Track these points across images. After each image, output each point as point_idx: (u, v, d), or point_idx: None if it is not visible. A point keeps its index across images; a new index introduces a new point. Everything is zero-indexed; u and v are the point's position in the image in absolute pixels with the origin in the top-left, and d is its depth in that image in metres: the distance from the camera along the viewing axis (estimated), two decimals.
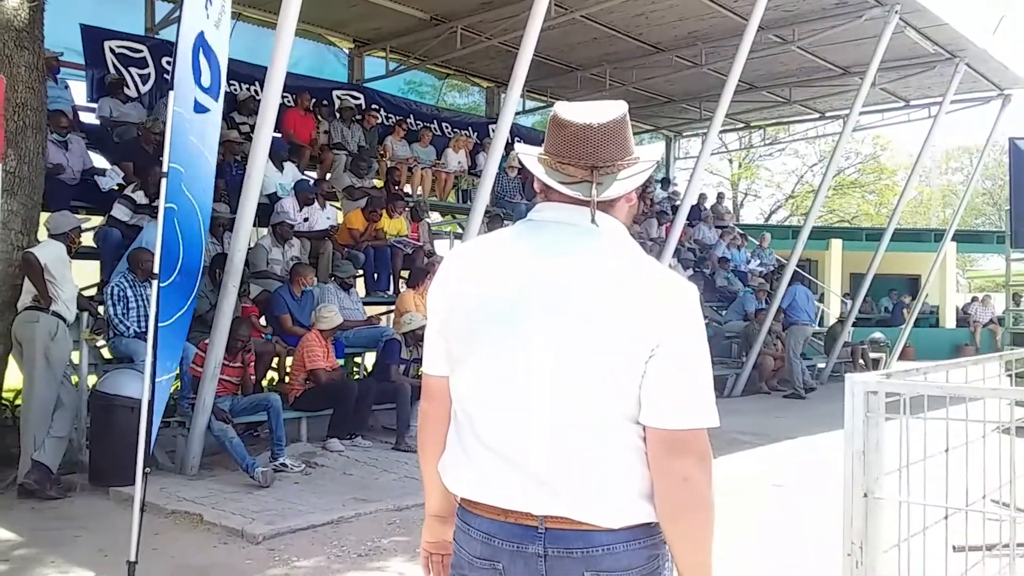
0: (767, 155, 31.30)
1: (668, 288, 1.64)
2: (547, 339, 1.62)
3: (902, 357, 16.41)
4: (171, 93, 4.66)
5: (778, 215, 34.07)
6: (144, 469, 4.37)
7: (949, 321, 20.84)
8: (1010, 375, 3.32)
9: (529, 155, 1.79)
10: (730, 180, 32.51)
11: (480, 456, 1.70)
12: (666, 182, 17.37)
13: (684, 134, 19.41)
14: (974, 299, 21.33)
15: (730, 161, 31.65)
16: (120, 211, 7.64)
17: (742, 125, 18.56)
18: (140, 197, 7.76)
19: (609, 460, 1.62)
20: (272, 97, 6.09)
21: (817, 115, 17.40)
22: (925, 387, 2.09)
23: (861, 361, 14.77)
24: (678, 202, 16.86)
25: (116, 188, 8.32)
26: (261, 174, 6.38)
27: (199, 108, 5.26)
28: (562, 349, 1.61)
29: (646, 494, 1.63)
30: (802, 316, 12.86)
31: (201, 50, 5.14)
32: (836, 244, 20.95)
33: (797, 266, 12.94)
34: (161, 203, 4.57)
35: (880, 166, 32.72)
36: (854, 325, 14.96)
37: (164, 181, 4.55)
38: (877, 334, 16.02)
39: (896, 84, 14.38)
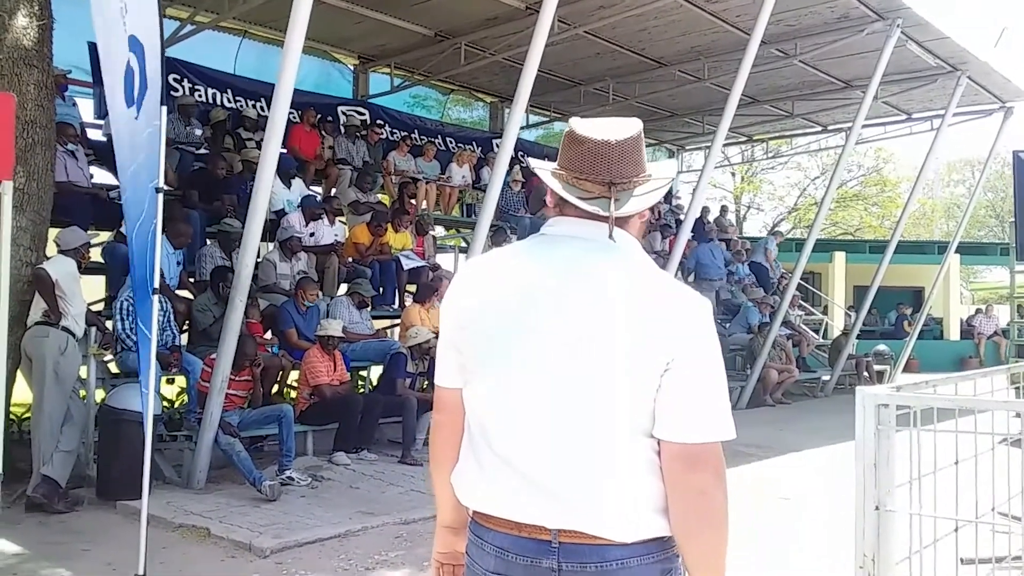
0: (769, 168, 31.36)
1: (682, 302, 1.67)
2: (562, 352, 1.64)
3: (906, 370, 16.40)
4: (163, 109, 4.57)
5: (781, 228, 34.07)
6: (149, 482, 4.37)
7: (953, 333, 20.82)
8: (1017, 387, 3.33)
9: (544, 169, 1.82)
10: (733, 193, 32.55)
11: (494, 469, 1.71)
12: (669, 196, 17.39)
13: (687, 148, 19.47)
14: (978, 311, 21.29)
15: (733, 174, 31.71)
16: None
17: (744, 138, 18.60)
18: None
19: (624, 474, 1.63)
20: (280, 114, 6.11)
21: (819, 128, 17.45)
22: (935, 400, 2.11)
23: (866, 373, 14.77)
24: (682, 216, 16.97)
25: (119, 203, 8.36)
26: (269, 189, 6.42)
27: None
28: (577, 363, 1.63)
29: (660, 508, 1.65)
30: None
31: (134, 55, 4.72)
32: (840, 256, 20.96)
33: (801, 279, 12.98)
34: (159, 219, 4.56)
35: (883, 178, 32.78)
36: (858, 337, 14.95)
37: (160, 197, 4.53)
38: (881, 346, 16.04)
39: (898, 97, 14.43)
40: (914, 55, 12.02)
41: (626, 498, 1.63)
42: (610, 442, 1.63)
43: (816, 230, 12.99)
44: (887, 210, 35.19)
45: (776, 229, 21.43)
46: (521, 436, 1.68)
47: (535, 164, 1.92)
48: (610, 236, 1.70)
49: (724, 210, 18.63)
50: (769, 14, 9.42)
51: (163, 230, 7.26)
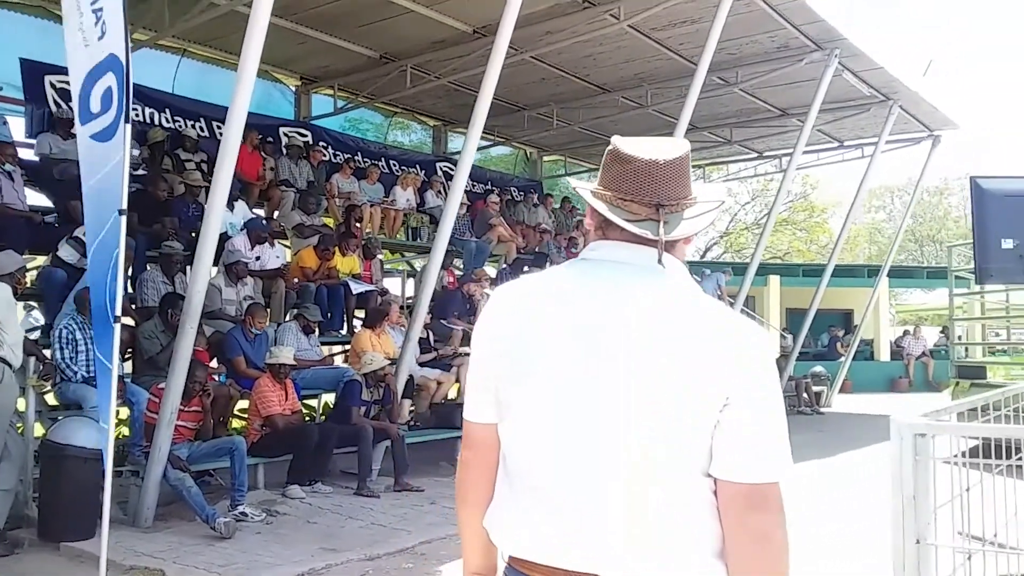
0: None
1: (742, 333, 1.57)
2: (615, 387, 1.53)
3: (840, 391, 16.77)
4: (127, 127, 4.41)
5: (712, 252, 34.72)
6: (107, 522, 4.11)
7: (883, 354, 21.38)
8: None
9: (584, 189, 1.73)
10: None
11: (537, 512, 1.59)
12: None
13: None
14: (906, 332, 21.93)
15: None
16: (67, 252, 7.30)
17: None
18: None
19: (682, 517, 1.53)
20: (232, 138, 5.91)
21: (755, 155, 17.81)
22: (977, 430, 2.07)
23: (805, 395, 15.05)
24: None
25: (55, 226, 8.00)
26: (220, 214, 6.20)
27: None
28: (632, 398, 1.52)
29: (718, 552, 1.55)
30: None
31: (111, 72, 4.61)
32: (774, 280, 21.37)
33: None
34: (121, 243, 4.35)
35: (810, 204, 33.69)
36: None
37: (123, 220, 4.33)
38: (818, 368, 16.36)
39: (831, 126, 14.81)
40: (849, 84, 12.36)
41: (686, 543, 1.53)
42: (667, 482, 1.53)
43: (759, 255, 13.21)
44: (814, 235, 36.21)
45: (724, 263, 21.74)
46: (570, 477, 1.56)
47: (577, 184, 1.84)
48: (659, 261, 1.61)
49: None
50: (716, 44, 9.55)
51: None
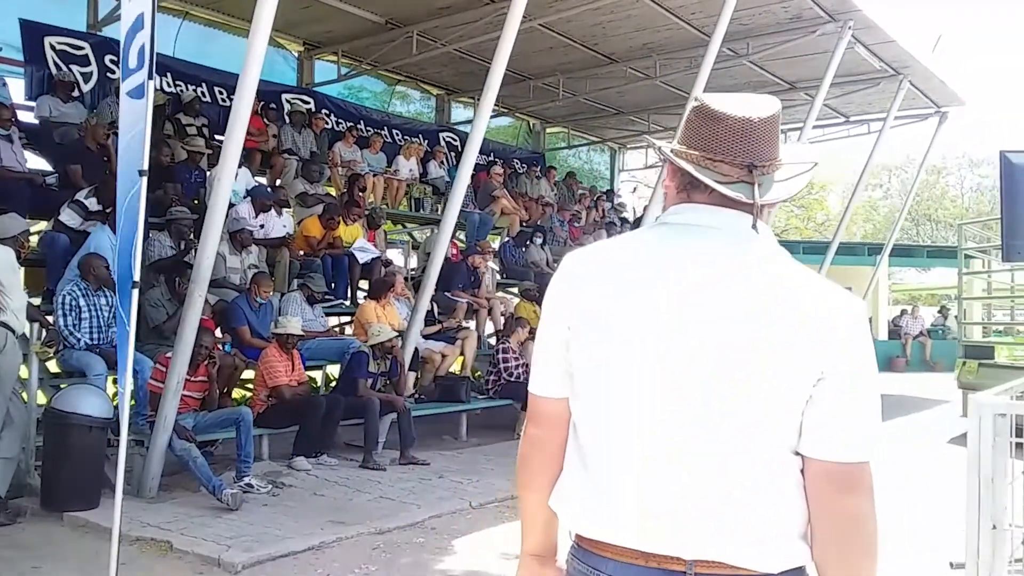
0: None
1: (839, 305, 1.47)
2: (701, 359, 1.44)
3: None
4: (150, 83, 4.26)
5: None
6: (120, 492, 3.99)
7: (882, 333, 21.33)
8: None
9: (663, 148, 1.62)
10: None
11: (615, 491, 1.49)
12: (611, 194, 17.37)
13: (628, 147, 19.45)
14: (903, 312, 21.89)
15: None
16: (69, 216, 7.14)
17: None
18: (93, 204, 7.27)
19: (769, 496, 1.45)
20: (244, 106, 5.73)
21: None
22: None
23: None
24: (624, 213, 16.98)
25: (55, 190, 7.84)
26: (231, 181, 6.09)
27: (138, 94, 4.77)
28: (721, 370, 1.43)
29: (803, 533, 1.47)
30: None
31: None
32: None
33: None
34: (141, 205, 4.20)
35: (809, 180, 33.52)
36: None
37: (143, 180, 4.19)
38: None
39: (839, 100, 14.60)
40: (860, 58, 12.17)
41: (772, 523, 1.45)
42: (755, 460, 1.44)
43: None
44: (811, 212, 36.16)
45: None
46: (650, 453, 1.46)
47: (658, 143, 1.73)
48: (753, 226, 1.50)
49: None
50: (731, 13, 9.36)
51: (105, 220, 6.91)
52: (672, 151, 1.58)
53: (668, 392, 1.45)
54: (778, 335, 1.42)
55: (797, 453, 1.46)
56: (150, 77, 3.88)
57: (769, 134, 1.51)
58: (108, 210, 6.84)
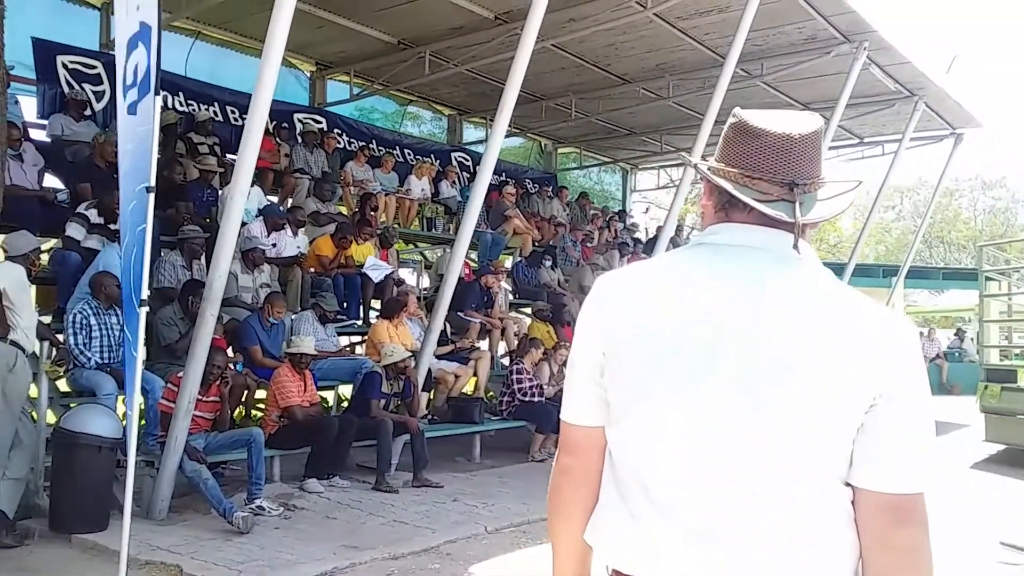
0: None
1: (891, 328, 1.40)
2: (745, 385, 1.36)
3: None
4: (156, 99, 4.20)
5: None
6: (128, 514, 3.89)
7: None
8: None
9: (701, 166, 1.55)
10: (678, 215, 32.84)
11: (655, 524, 1.41)
12: (623, 214, 17.30)
13: (640, 167, 19.40)
14: (920, 334, 21.70)
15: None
16: (75, 230, 7.10)
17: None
18: (94, 216, 7.23)
19: (818, 530, 1.37)
20: (256, 125, 5.68)
21: None
22: None
23: None
24: (637, 233, 16.88)
25: (66, 207, 7.81)
26: (243, 200, 6.03)
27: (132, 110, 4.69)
28: (763, 397, 1.35)
29: (854, 567, 1.39)
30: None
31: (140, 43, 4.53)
32: None
33: None
34: (148, 221, 4.13)
35: None
36: None
37: (150, 197, 4.12)
38: None
39: (853, 122, 14.53)
40: (875, 79, 12.11)
41: (822, 558, 1.36)
42: (804, 492, 1.36)
43: None
44: (822, 232, 35.94)
45: None
46: (692, 484, 1.38)
47: (694, 161, 1.65)
48: (795, 246, 1.44)
49: (680, 229, 18.59)
50: (746, 34, 9.30)
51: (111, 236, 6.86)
52: (710, 168, 1.52)
53: (716, 423, 1.37)
54: (832, 359, 1.35)
55: (848, 484, 1.38)
56: (156, 93, 3.81)
57: (810, 151, 1.46)
58: (111, 225, 6.80)
